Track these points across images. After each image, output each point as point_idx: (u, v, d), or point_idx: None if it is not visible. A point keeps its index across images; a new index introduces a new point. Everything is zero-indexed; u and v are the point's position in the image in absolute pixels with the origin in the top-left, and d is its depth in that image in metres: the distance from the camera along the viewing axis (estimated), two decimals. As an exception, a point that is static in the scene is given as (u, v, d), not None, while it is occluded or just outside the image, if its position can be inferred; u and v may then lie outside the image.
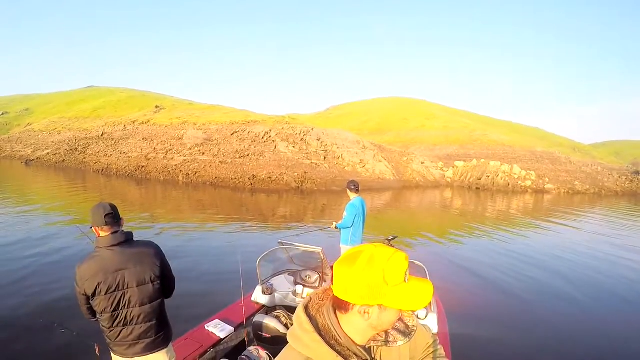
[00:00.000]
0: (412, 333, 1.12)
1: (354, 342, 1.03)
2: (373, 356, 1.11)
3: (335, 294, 1.02)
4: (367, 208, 5.80)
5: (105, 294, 2.22)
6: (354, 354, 1.02)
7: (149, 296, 2.33)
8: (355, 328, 1.02)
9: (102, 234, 2.28)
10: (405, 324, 1.14)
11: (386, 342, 1.09)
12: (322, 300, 1.09)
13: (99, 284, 2.20)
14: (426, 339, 1.36)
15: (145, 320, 2.33)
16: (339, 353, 0.98)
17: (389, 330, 1.09)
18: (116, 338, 2.31)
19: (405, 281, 0.99)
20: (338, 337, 1.01)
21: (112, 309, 2.25)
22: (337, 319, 1.03)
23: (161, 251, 2.45)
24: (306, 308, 1.06)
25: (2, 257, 7.39)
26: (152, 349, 2.39)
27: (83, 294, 2.24)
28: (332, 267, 1.04)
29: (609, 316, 6.14)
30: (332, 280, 1.01)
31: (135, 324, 2.31)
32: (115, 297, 2.24)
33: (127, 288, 2.26)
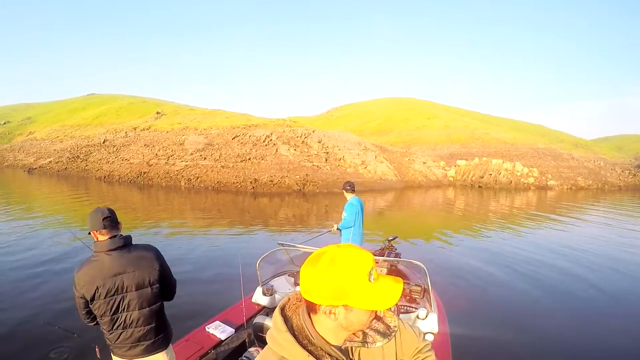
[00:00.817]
0: (392, 334, 1.10)
1: (327, 342, 1.04)
2: (351, 357, 1.10)
3: (302, 295, 1.04)
4: (369, 209, 5.78)
5: (105, 297, 2.22)
6: (327, 353, 1.02)
7: (147, 300, 2.33)
8: (326, 328, 1.03)
9: (100, 238, 2.28)
10: (385, 324, 1.12)
11: (364, 342, 1.07)
12: (300, 301, 1.09)
13: (97, 288, 2.19)
14: (415, 343, 1.32)
15: (144, 323, 2.34)
16: (310, 352, 0.99)
17: (367, 331, 1.08)
18: (116, 340, 2.32)
19: (370, 281, 0.99)
20: (311, 337, 1.02)
21: (111, 313, 2.26)
22: (311, 319, 1.04)
23: (160, 255, 2.43)
24: (283, 309, 1.08)
25: (10, 265, 7.43)
26: (151, 350, 2.40)
27: (82, 298, 2.24)
28: None
29: (629, 312, 6.03)
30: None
31: (135, 327, 2.32)
32: (115, 300, 2.25)
33: (126, 292, 2.26)
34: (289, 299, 1.11)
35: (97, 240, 2.28)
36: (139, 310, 2.30)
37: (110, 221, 2.27)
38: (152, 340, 2.38)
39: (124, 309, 2.27)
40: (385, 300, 1.00)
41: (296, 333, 1.02)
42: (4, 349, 4.29)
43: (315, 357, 0.99)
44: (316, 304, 1.00)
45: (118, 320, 2.28)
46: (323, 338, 1.03)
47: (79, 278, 2.21)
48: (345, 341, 1.06)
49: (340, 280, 0.96)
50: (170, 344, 2.58)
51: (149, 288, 2.32)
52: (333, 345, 1.04)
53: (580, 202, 21.84)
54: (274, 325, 1.05)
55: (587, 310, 6.10)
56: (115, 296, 2.24)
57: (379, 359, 1.16)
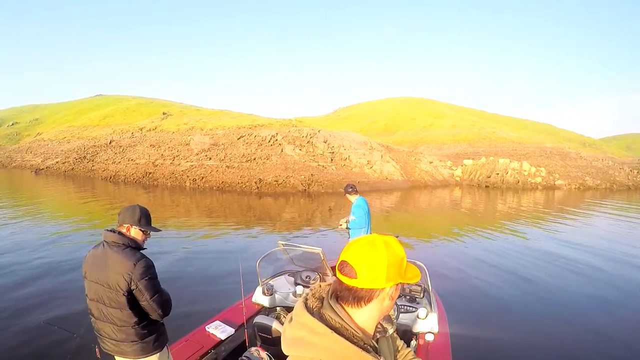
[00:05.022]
0: (393, 319, 1.13)
1: (369, 334, 1.01)
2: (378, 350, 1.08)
3: (359, 287, 0.98)
4: (375, 209, 5.70)
5: (87, 280, 2.38)
6: (370, 346, 0.99)
7: (117, 301, 2.28)
8: (368, 318, 1.01)
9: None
10: None
11: (384, 331, 1.13)
12: (320, 300, 1.05)
13: (86, 270, 2.40)
14: (398, 340, 1.37)
15: (121, 324, 2.31)
16: (362, 349, 0.94)
17: (380, 321, 1.09)
18: (100, 334, 2.39)
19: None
20: (355, 332, 0.97)
21: (89, 298, 2.38)
22: (348, 314, 1.00)
23: (144, 271, 2.28)
24: (309, 311, 1.00)
25: (8, 267, 7.47)
26: (118, 352, 2.39)
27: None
28: (340, 266, 1.01)
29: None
30: (354, 275, 0.97)
31: (103, 321, 2.35)
32: (91, 286, 2.36)
33: (99, 284, 2.31)
34: (307, 299, 1.04)
35: None
36: (112, 308, 2.30)
37: (121, 217, 2.42)
38: (116, 341, 2.35)
39: (95, 299, 2.34)
40: (416, 272, 1.06)
41: (340, 332, 0.95)
42: (4, 349, 4.31)
43: (366, 351, 0.94)
44: (376, 290, 0.98)
45: (95, 309, 2.36)
46: (366, 330, 1.01)
47: (86, 256, 2.45)
48: (375, 332, 1.06)
49: (400, 258, 1.01)
50: (163, 350, 2.49)
51: (118, 292, 2.27)
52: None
53: (584, 204, 21.61)
54: (308, 330, 0.95)
55: (588, 309, 6.02)
56: (92, 283, 2.34)
57: (387, 349, 1.17)
